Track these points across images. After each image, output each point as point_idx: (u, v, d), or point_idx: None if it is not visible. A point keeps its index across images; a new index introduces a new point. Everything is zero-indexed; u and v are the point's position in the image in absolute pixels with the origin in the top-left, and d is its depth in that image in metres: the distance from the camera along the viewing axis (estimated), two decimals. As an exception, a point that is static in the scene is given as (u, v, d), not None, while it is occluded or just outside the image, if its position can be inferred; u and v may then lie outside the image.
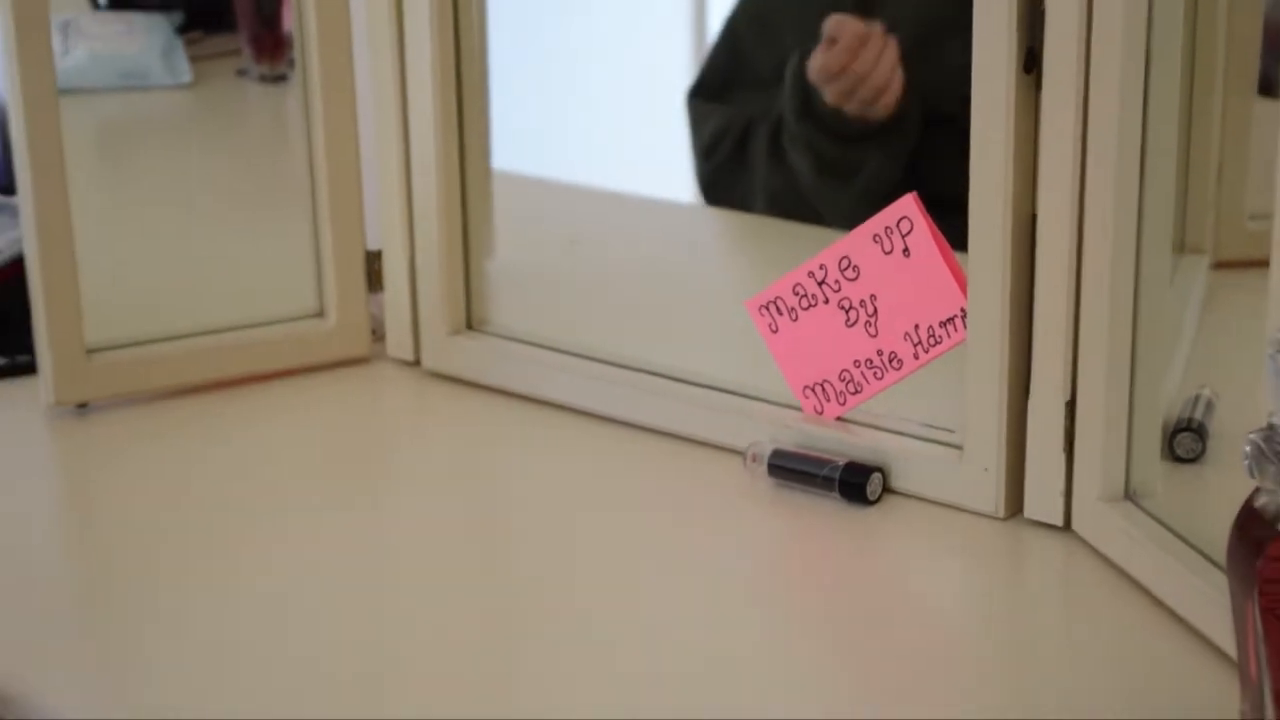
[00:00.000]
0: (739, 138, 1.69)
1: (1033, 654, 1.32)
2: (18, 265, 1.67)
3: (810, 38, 1.60)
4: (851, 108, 1.57)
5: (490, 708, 1.26)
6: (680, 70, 1.82)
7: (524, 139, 1.73)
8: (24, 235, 1.63)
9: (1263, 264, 1.16)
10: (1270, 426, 1.06)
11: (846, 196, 1.55)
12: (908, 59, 1.59)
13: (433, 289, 1.69)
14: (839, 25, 1.57)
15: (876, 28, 1.58)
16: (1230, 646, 1.13)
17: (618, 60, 1.85)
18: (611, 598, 1.38)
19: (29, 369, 1.68)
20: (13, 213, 1.76)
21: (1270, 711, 1.08)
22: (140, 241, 1.74)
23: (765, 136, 1.65)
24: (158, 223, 1.80)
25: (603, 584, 1.40)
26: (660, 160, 1.84)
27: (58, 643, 1.37)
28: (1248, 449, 1.07)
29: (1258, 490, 1.07)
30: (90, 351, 1.65)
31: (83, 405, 1.67)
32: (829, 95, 1.57)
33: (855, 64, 1.56)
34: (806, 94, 1.58)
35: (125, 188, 1.77)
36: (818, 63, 1.57)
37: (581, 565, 1.43)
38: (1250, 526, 1.07)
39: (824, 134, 1.58)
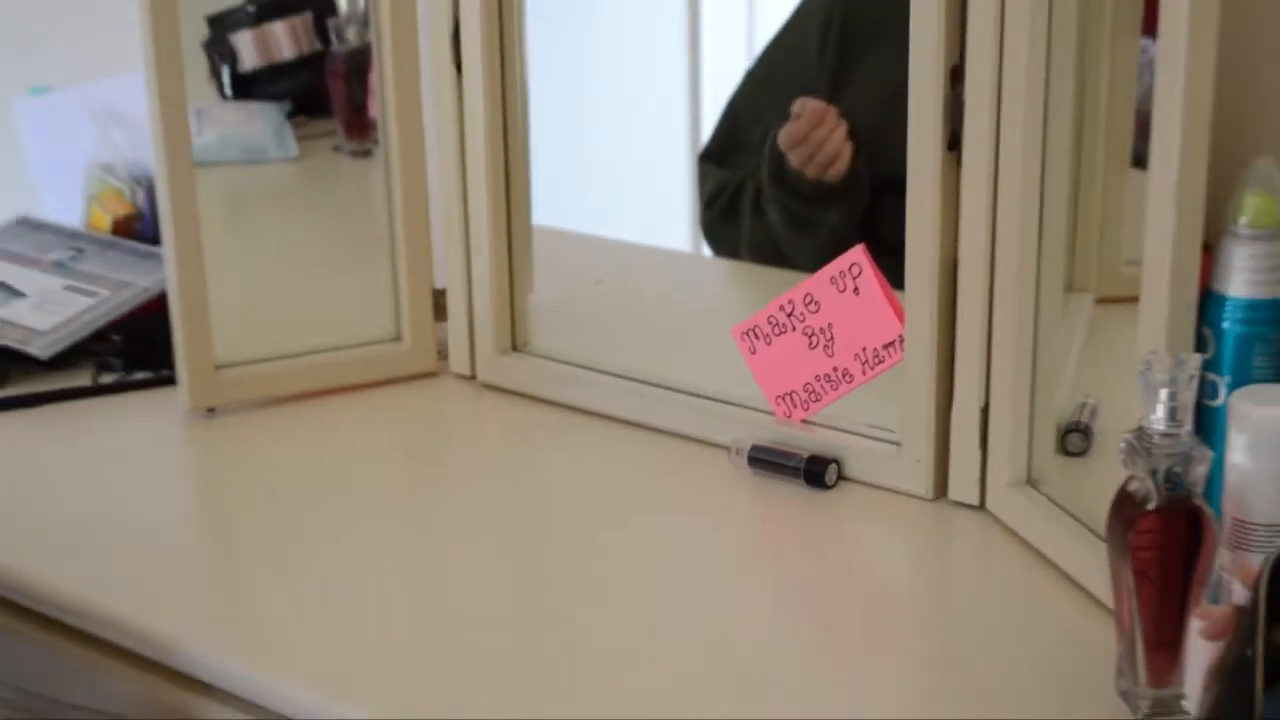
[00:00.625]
0: (732, 195, 1.70)
1: (953, 605, 1.33)
2: (161, 299, 1.68)
3: (788, 117, 1.61)
4: (811, 171, 1.57)
5: (524, 647, 1.27)
6: (679, 148, 1.82)
7: (556, 199, 1.72)
8: (166, 276, 1.63)
9: (1135, 300, 1.17)
10: (1140, 428, 1.07)
11: (809, 245, 1.56)
12: (866, 135, 1.59)
13: (485, 318, 1.68)
14: (802, 103, 1.57)
15: (832, 108, 1.58)
16: (1109, 601, 1.13)
17: (626, 135, 1.85)
18: (625, 562, 1.39)
19: (170, 381, 1.68)
20: (157, 259, 1.77)
21: (1141, 654, 1.09)
22: (258, 280, 1.75)
23: (751, 195, 1.66)
24: (271, 265, 1.81)
25: (618, 551, 1.41)
26: (662, 218, 1.84)
27: (192, 596, 1.39)
28: (1123, 446, 1.08)
29: (1130, 478, 1.08)
30: (218, 367, 1.65)
31: (212, 410, 1.66)
32: (793, 160, 1.57)
33: (814, 134, 1.57)
34: (778, 162, 1.59)
35: (246, 238, 1.77)
36: (785, 131, 1.57)
37: (602, 535, 1.43)
38: (1124, 506, 1.08)
39: (790, 194, 1.59)
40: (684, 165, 1.81)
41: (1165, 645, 1.08)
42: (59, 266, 1.87)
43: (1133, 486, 1.08)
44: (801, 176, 1.58)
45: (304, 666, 1.24)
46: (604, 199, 1.84)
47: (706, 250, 1.85)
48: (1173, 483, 1.06)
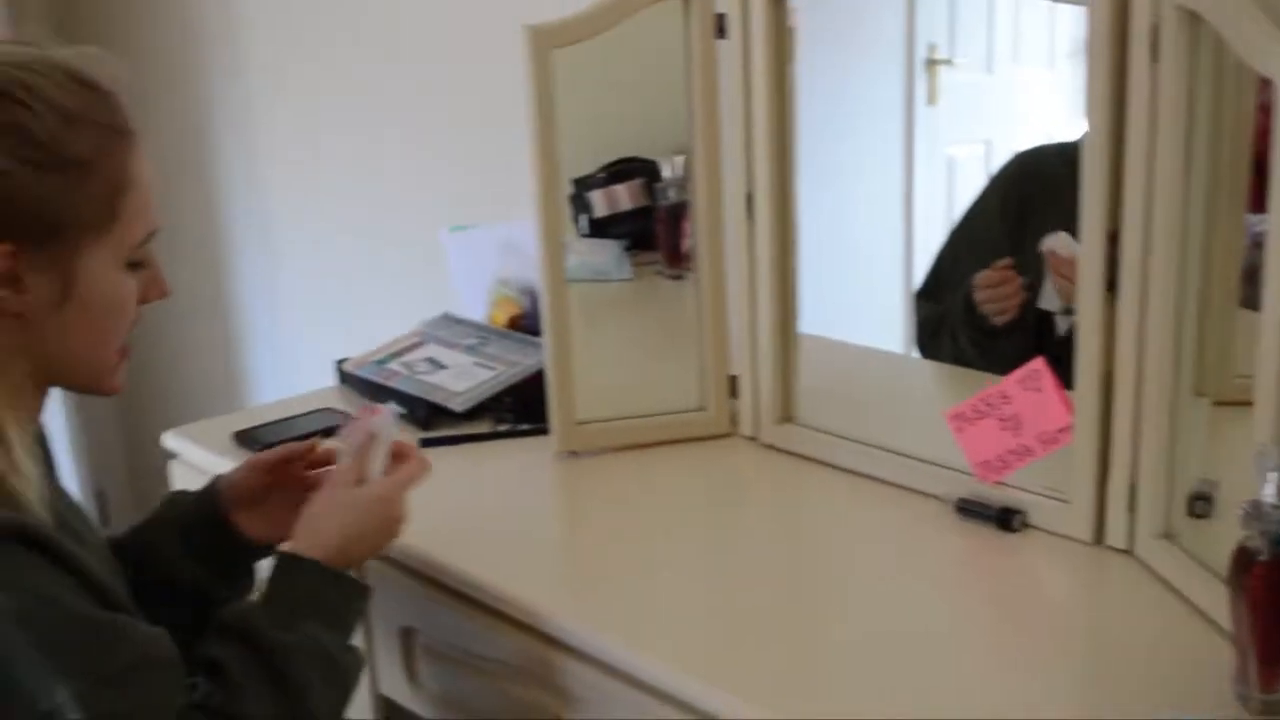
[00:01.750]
0: (937, 324, 1.68)
1: (1107, 624, 1.30)
2: (540, 373, 1.72)
3: (981, 267, 1.61)
4: (990, 312, 1.57)
5: (788, 634, 1.28)
6: (896, 279, 1.78)
7: (816, 313, 1.71)
8: (545, 358, 1.67)
9: (1244, 403, 1.16)
10: (1255, 500, 1.05)
11: (990, 360, 1.54)
12: (1036, 280, 1.57)
13: (767, 396, 1.68)
14: (994, 267, 1.58)
15: (1012, 272, 1.57)
16: (1227, 624, 1.11)
17: (862, 269, 1.83)
18: (864, 576, 1.39)
19: (545, 431, 1.71)
20: (537, 345, 1.81)
21: (1252, 667, 1.06)
22: (605, 363, 1.76)
23: (949, 325, 1.65)
24: (614, 353, 1.82)
25: (859, 567, 1.41)
26: (889, 330, 1.81)
27: (558, 580, 1.42)
28: (1242, 512, 1.06)
29: (1247, 536, 1.06)
30: (579, 423, 1.68)
31: (574, 453, 1.69)
32: (978, 301, 1.58)
33: (997, 290, 1.58)
34: (971, 309, 1.58)
35: (596, 334, 1.79)
36: (979, 280, 1.58)
37: (847, 555, 1.44)
38: (1242, 557, 1.07)
39: (974, 330, 1.59)
40: (899, 293, 1.78)
41: (1272, 660, 1.05)
42: (470, 349, 1.92)
43: (1249, 543, 1.06)
44: (985, 317, 1.58)
45: (634, 635, 1.27)
46: (848, 314, 1.81)
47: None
48: (1279, 541, 1.04)
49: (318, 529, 1.26)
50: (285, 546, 1.25)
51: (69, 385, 1.22)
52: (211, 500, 1.39)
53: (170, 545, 1.37)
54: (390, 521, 1.30)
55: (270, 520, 1.38)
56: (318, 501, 1.29)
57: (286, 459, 1.40)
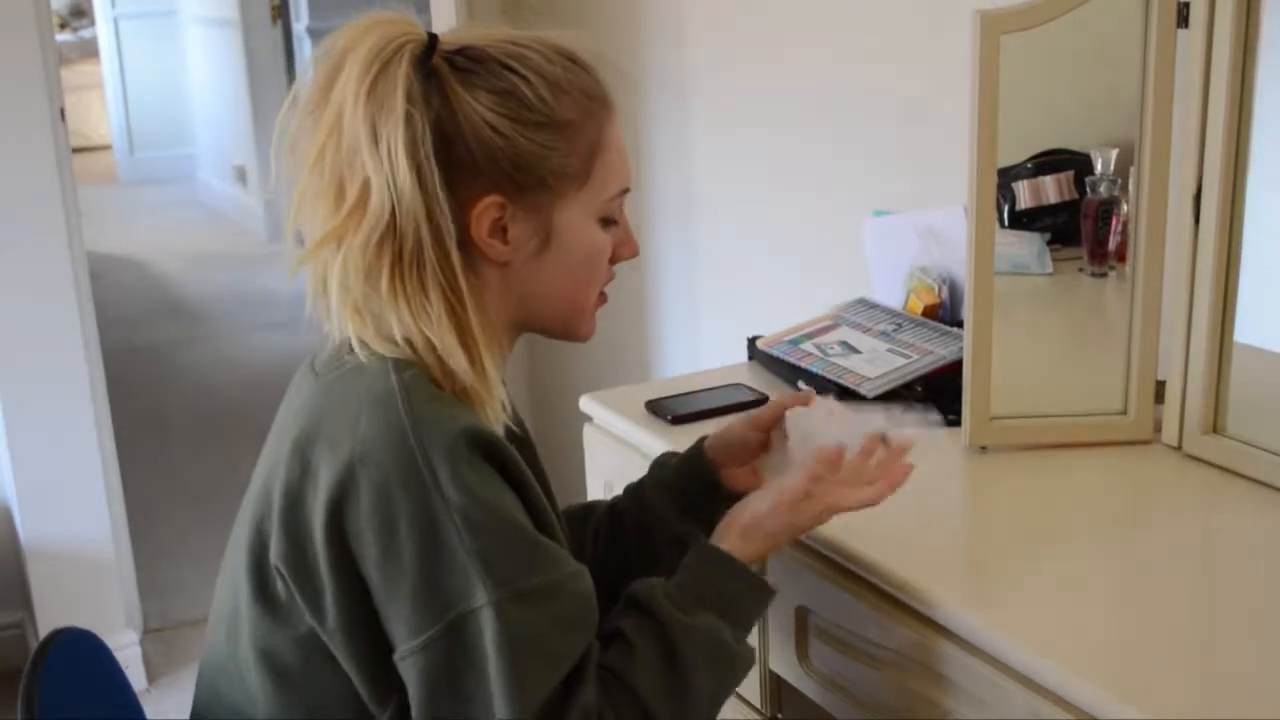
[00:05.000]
0: None
1: None
2: (953, 365, 1.70)
3: None
4: None
5: (1182, 651, 1.22)
6: None
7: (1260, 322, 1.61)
8: (964, 349, 1.65)
9: None
10: None
11: None
12: None
13: (1194, 405, 1.60)
14: None
15: None
16: None
17: None
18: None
19: (955, 423, 1.68)
20: (952, 336, 1.79)
21: None
22: (1020, 357, 1.68)
23: None
24: (1029, 348, 1.76)
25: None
26: None
27: (954, 568, 1.41)
28: None
29: None
30: (992, 418, 1.65)
31: (984, 448, 1.66)
32: None
33: None
34: None
35: (1013, 328, 1.70)
36: None
37: (1273, 583, 1.34)
38: None
39: None
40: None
41: None
42: (884, 334, 1.92)
43: None
44: None
45: (1033, 635, 1.24)
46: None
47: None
48: None
49: (747, 530, 1.31)
50: (714, 539, 1.32)
51: (543, 330, 1.33)
52: (698, 458, 1.48)
53: (666, 505, 1.47)
54: (816, 520, 1.35)
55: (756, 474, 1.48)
56: (758, 505, 1.33)
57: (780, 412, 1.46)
